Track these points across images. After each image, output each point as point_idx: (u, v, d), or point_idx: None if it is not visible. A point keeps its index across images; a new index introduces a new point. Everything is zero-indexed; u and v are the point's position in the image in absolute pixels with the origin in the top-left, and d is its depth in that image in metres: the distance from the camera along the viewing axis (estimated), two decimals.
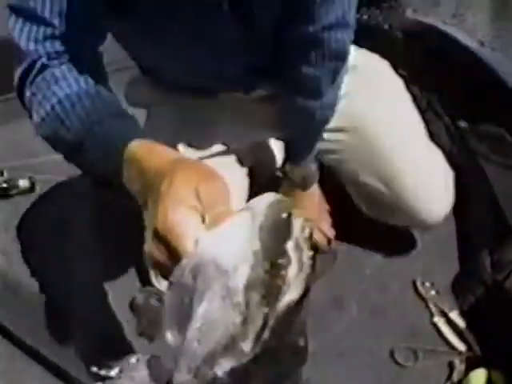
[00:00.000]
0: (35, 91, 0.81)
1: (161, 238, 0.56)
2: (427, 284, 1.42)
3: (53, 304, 1.41)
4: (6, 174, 1.66)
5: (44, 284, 1.45)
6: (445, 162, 1.41)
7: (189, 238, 0.54)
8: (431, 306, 1.38)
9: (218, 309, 0.51)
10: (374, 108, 1.33)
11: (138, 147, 0.68)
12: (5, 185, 1.62)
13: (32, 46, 0.82)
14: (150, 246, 0.58)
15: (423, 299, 1.40)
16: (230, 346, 0.50)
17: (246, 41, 1.07)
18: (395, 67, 2.25)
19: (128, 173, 0.67)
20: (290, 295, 0.52)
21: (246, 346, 0.51)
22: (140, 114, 1.18)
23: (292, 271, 0.53)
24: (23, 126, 1.85)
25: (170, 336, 0.53)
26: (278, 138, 1.34)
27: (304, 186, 1.33)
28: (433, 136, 1.95)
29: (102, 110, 0.76)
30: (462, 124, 1.93)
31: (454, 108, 1.97)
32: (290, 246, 0.53)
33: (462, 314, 1.37)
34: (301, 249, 0.54)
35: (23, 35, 0.82)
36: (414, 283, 1.43)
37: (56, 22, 0.82)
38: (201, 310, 0.51)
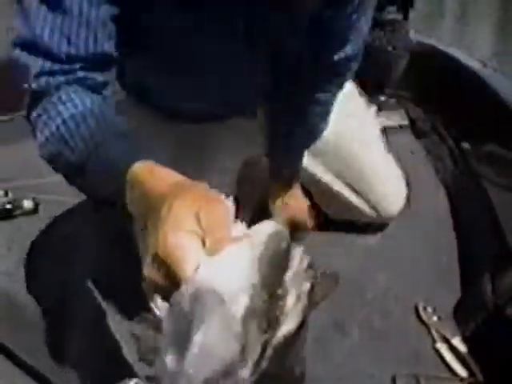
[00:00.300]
0: (41, 112, 0.82)
1: (161, 262, 0.56)
2: (429, 309, 1.41)
3: (54, 325, 1.41)
4: (10, 194, 1.67)
5: (46, 305, 1.45)
6: (397, 167, 1.57)
7: (189, 263, 0.54)
8: (433, 331, 1.38)
9: (217, 336, 0.51)
10: (340, 122, 1.40)
11: (141, 169, 0.68)
12: (9, 206, 1.64)
13: (43, 79, 0.82)
14: (149, 270, 0.58)
15: (425, 325, 1.40)
16: (228, 373, 0.50)
17: (258, 67, 1.08)
18: (398, 89, 2.27)
19: (130, 195, 0.68)
20: (288, 325, 0.53)
21: (245, 373, 0.51)
22: None
23: (290, 301, 0.54)
24: (28, 146, 1.89)
25: (169, 361, 0.53)
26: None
27: (290, 184, 1.39)
28: (436, 159, 1.97)
29: (106, 130, 0.77)
30: (466, 145, 1.93)
31: (458, 129, 1.98)
32: (288, 277, 0.54)
33: (465, 339, 1.36)
34: (299, 279, 0.55)
35: (32, 65, 0.82)
36: (416, 308, 1.42)
37: (65, 55, 0.82)
38: (199, 337, 0.51)
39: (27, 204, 1.65)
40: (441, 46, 2.16)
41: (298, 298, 0.54)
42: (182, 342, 0.52)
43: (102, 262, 1.51)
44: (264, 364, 0.51)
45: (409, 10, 2.37)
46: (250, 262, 0.53)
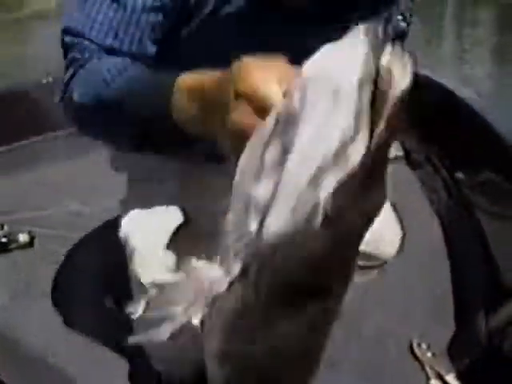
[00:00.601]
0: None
1: (244, 95, 0.55)
2: (423, 346, 1.41)
3: (51, 362, 1.41)
4: (6, 227, 1.68)
5: (42, 341, 1.44)
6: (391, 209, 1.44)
7: (273, 82, 0.54)
8: (428, 368, 1.38)
9: (328, 119, 0.49)
10: None
11: (189, 76, 0.69)
12: (4, 239, 1.64)
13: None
14: (234, 116, 0.56)
15: (419, 361, 1.40)
16: (339, 154, 0.49)
17: None
18: None
19: (180, 102, 0.68)
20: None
21: (355, 157, 0.49)
22: None
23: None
24: (24, 178, 1.90)
25: (258, 189, 0.52)
26: None
27: None
28: (430, 190, 1.98)
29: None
30: (460, 175, 1.95)
31: (452, 160, 1.99)
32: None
33: (459, 376, 1.36)
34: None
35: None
36: (411, 345, 1.42)
37: (108, 48, 0.85)
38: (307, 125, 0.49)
39: (23, 238, 1.66)
40: (435, 76, 2.18)
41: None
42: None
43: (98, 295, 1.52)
44: (371, 151, 0.49)
45: (403, 41, 2.39)
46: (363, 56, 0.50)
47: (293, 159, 0.50)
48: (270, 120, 0.52)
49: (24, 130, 2.12)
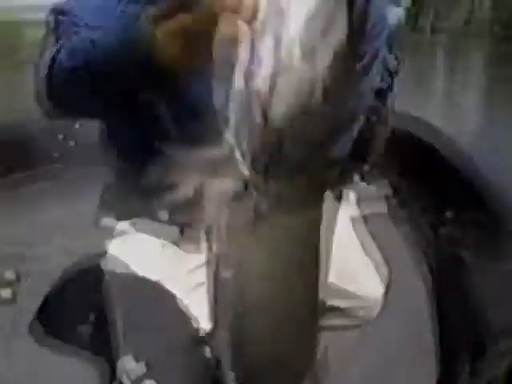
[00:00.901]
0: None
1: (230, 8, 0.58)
2: None
3: None
4: None
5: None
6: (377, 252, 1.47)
7: None
8: None
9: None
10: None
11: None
12: None
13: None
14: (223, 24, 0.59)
15: None
16: (325, 31, 0.54)
17: None
18: (381, 159, 2.29)
19: (163, 41, 0.70)
20: None
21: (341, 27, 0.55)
22: None
23: None
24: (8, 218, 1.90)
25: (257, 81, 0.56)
26: None
27: None
28: (417, 229, 1.98)
29: None
30: (448, 214, 1.95)
31: (439, 198, 2.00)
32: None
33: None
34: None
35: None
36: None
37: None
38: None
39: (9, 274, 1.65)
40: (424, 118, 2.20)
41: None
42: None
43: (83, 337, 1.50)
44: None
45: (394, 80, 2.41)
46: None
47: (285, 45, 0.55)
48: (260, 16, 0.56)
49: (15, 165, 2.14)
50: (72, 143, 2.40)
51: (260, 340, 0.76)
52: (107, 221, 1.18)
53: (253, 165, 0.59)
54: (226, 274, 0.69)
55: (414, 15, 23.53)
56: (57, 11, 0.96)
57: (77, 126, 2.33)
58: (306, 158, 0.60)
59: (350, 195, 1.63)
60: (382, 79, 2.40)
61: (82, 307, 1.58)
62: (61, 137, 2.38)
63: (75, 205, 1.90)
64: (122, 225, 1.17)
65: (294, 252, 0.69)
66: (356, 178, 2.14)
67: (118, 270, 1.15)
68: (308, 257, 0.71)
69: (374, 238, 1.49)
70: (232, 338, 0.75)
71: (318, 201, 0.67)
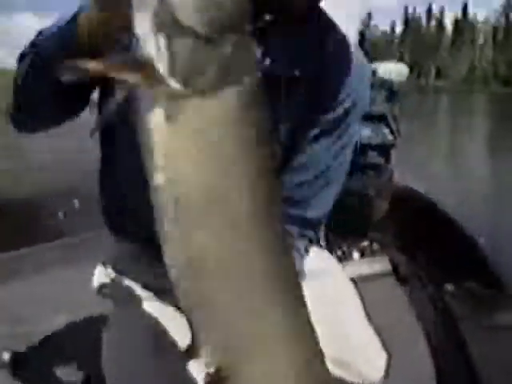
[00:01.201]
0: None
1: None
2: None
3: None
4: None
5: None
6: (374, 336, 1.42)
7: None
8: None
9: None
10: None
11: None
12: None
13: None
14: None
15: None
16: None
17: None
18: (380, 233, 2.30)
19: (85, 25, 0.78)
20: None
21: None
22: None
23: None
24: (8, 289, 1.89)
25: None
26: None
27: None
28: (417, 303, 1.97)
29: None
30: (448, 287, 1.95)
31: (437, 272, 2.00)
32: None
33: None
34: None
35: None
36: None
37: None
38: None
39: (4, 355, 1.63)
40: (422, 190, 2.23)
41: None
42: None
43: None
44: None
45: (390, 154, 2.45)
46: None
47: None
48: None
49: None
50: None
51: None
52: None
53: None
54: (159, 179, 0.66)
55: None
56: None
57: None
58: None
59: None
60: (378, 154, 2.45)
61: None
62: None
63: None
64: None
65: (217, 135, 0.66)
66: (356, 254, 2.14)
67: None
68: (230, 142, 0.67)
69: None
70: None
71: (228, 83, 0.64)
